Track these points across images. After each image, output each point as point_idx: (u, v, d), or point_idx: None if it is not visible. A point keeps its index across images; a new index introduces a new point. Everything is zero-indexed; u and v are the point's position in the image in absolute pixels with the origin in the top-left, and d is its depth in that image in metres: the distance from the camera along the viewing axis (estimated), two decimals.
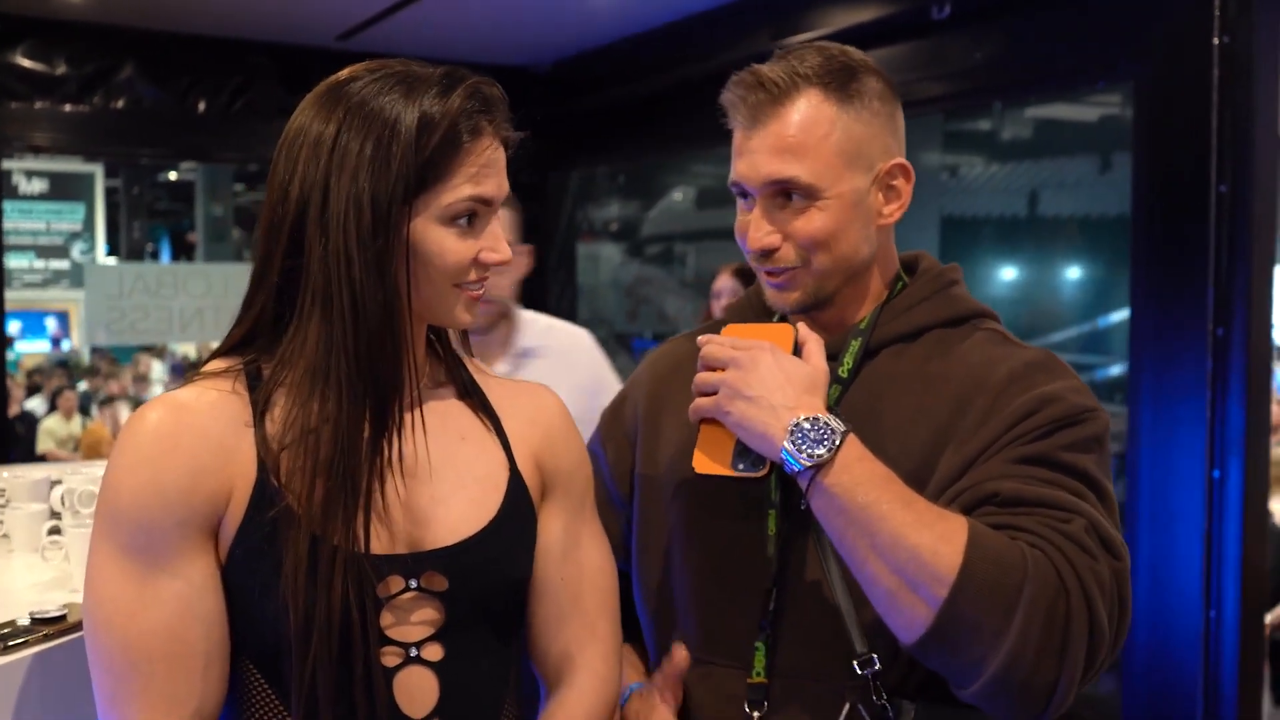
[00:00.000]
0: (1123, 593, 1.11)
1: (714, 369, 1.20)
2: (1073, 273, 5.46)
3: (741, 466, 1.18)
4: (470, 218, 1.12)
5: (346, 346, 1.07)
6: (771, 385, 1.15)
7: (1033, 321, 5.46)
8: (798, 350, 1.22)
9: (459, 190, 1.10)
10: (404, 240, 1.08)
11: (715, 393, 1.18)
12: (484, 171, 1.11)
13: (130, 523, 1.06)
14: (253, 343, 1.15)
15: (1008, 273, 5.75)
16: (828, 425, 1.12)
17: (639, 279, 7.54)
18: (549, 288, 6.16)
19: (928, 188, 5.65)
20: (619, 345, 7.37)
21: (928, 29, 3.78)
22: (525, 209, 6.64)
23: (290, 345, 1.11)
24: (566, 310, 6.21)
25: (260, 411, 1.10)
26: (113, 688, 1.06)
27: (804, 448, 1.11)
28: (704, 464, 1.20)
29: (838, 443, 1.11)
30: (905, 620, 1.08)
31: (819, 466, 1.10)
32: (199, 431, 1.08)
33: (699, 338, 1.23)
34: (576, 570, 1.25)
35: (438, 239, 1.10)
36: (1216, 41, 2.95)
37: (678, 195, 7.71)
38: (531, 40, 5.34)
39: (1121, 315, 4.60)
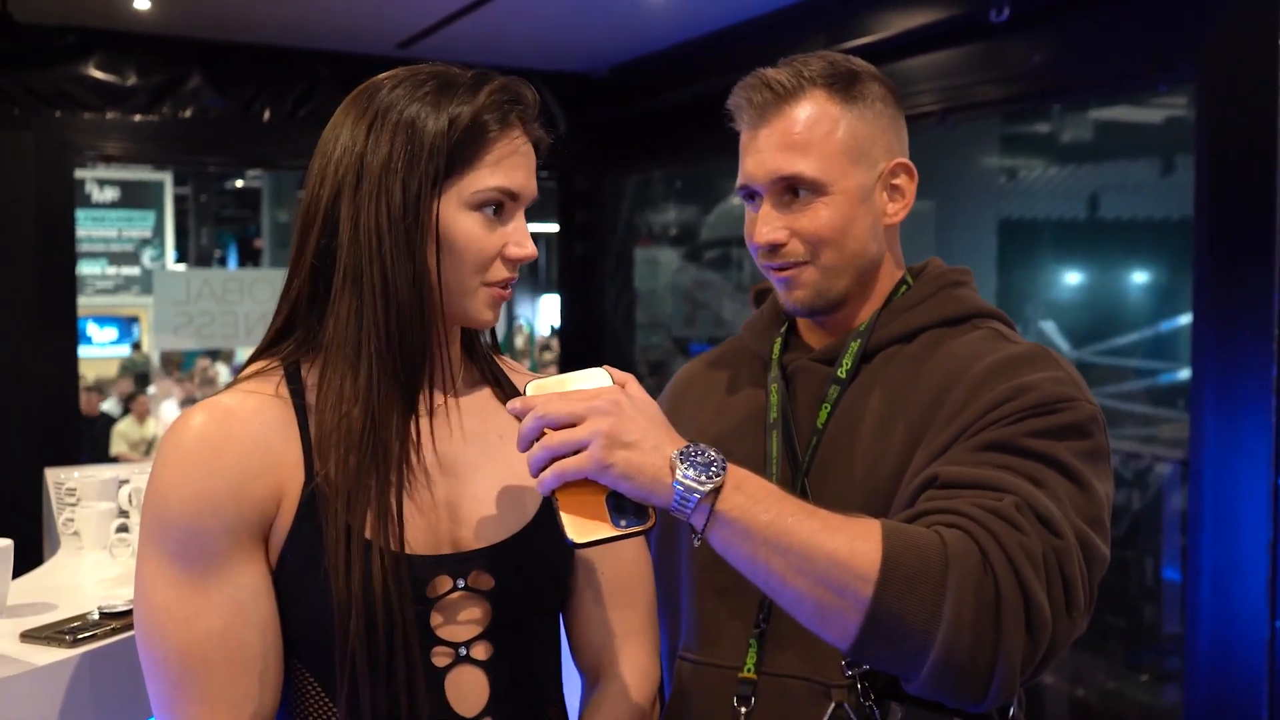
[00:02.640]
0: (1066, 571, 1.06)
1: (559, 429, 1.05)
2: (1135, 277, 5.38)
3: (624, 523, 1.05)
4: (497, 209, 1.13)
5: (377, 321, 1.09)
6: (645, 426, 1.05)
7: (1093, 326, 5.38)
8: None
9: (487, 178, 1.12)
10: (433, 221, 1.10)
11: (575, 451, 1.03)
12: (512, 162, 1.13)
13: (179, 530, 1.06)
14: (291, 333, 1.16)
15: (1069, 277, 5.68)
16: (705, 451, 1.04)
17: (696, 283, 7.54)
18: (606, 293, 6.19)
19: (985, 191, 5.59)
20: (677, 349, 7.38)
21: (986, 31, 3.75)
22: (582, 214, 6.66)
23: (327, 331, 1.12)
24: (624, 315, 6.23)
25: (307, 413, 1.12)
26: (169, 694, 1.07)
27: (700, 477, 1.03)
28: (584, 532, 1.04)
29: (723, 463, 1.04)
30: (838, 627, 1.04)
31: (716, 492, 1.03)
32: (245, 437, 1.09)
33: (509, 405, 1.09)
34: (615, 564, 1.26)
35: (465, 226, 1.12)
36: None
37: (735, 200, 7.69)
38: (589, 46, 5.37)
39: (1185, 320, 4.52)
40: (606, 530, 1.05)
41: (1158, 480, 4.64)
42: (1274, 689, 2.95)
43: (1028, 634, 1.03)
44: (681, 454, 1.03)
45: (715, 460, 1.04)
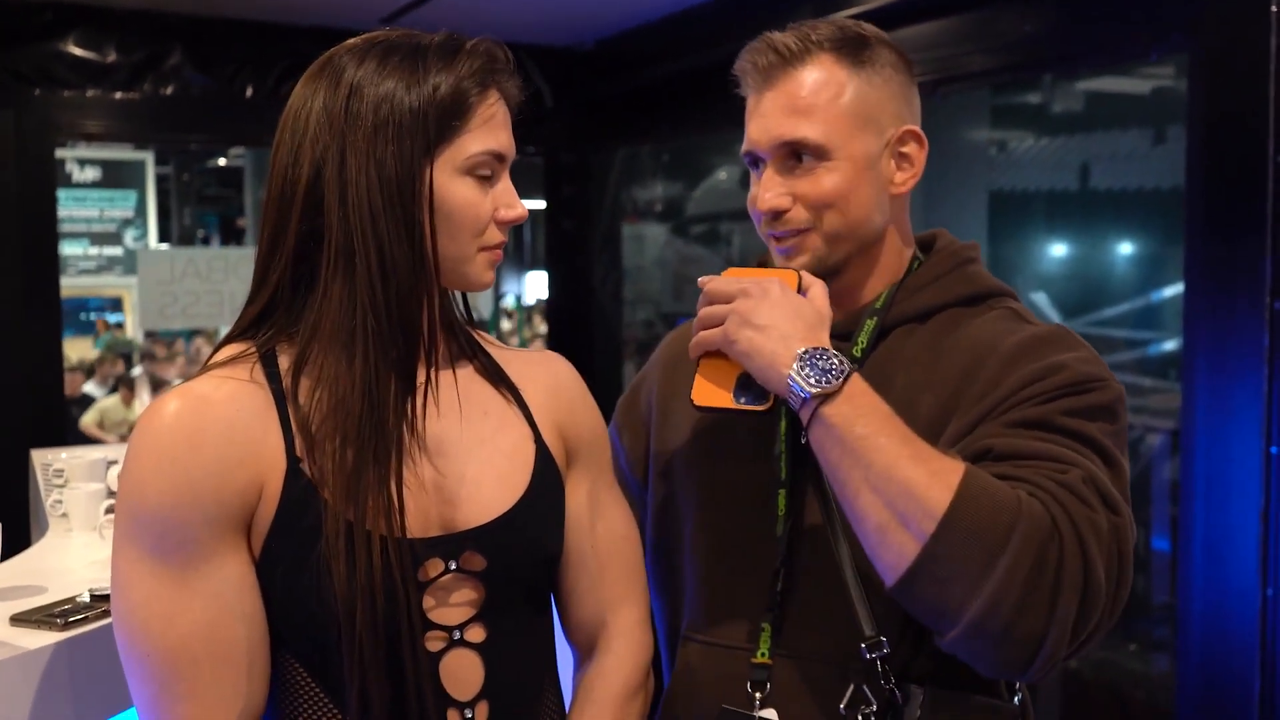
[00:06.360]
0: (1122, 548, 1.08)
1: (717, 304, 1.19)
2: (1125, 247, 5.38)
3: (744, 399, 1.15)
4: (488, 172, 1.12)
5: (374, 299, 1.06)
6: (780, 316, 1.13)
7: (1085, 296, 5.38)
8: (801, 293, 1.21)
9: (477, 142, 1.10)
10: (428, 192, 1.08)
11: (720, 324, 1.16)
12: (496, 123, 1.12)
13: (159, 523, 1.02)
14: (268, 318, 1.12)
15: (1058, 248, 5.67)
16: (834, 358, 1.10)
17: (684, 258, 7.52)
18: (594, 269, 6.16)
19: (975, 163, 5.56)
20: (665, 325, 7.36)
21: (976, 1, 3.73)
22: (569, 189, 6.62)
23: (314, 315, 1.09)
24: (612, 291, 6.21)
25: (285, 399, 1.08)
26: (156, 694, 1.03)
27: (810, 376, 1.09)
28: (704, 396, 1.17)
29: (844, 374, 1.09)
30: (892, 557, 1.05)
31: (823, 397, 1.08)
32: (223, 424, 1.05)
33: (700, 278, 1.23)
34: (605, 537, 1.25)
35: (460, 192, 1.10)
36: (1275, 9, 2.88)
37: (722, 174, 7.67)
38: (574, 19, 5.33)
39: (1176, 290, 4.52)
40: (725, 401, 1.16)
41: (1148, 450, 4.65)
42: (1266, 657, 2.96)
43: (1081, 608, 1.03)
44: (805, 352, 1.10)
45: (835, 369, 1.09)
